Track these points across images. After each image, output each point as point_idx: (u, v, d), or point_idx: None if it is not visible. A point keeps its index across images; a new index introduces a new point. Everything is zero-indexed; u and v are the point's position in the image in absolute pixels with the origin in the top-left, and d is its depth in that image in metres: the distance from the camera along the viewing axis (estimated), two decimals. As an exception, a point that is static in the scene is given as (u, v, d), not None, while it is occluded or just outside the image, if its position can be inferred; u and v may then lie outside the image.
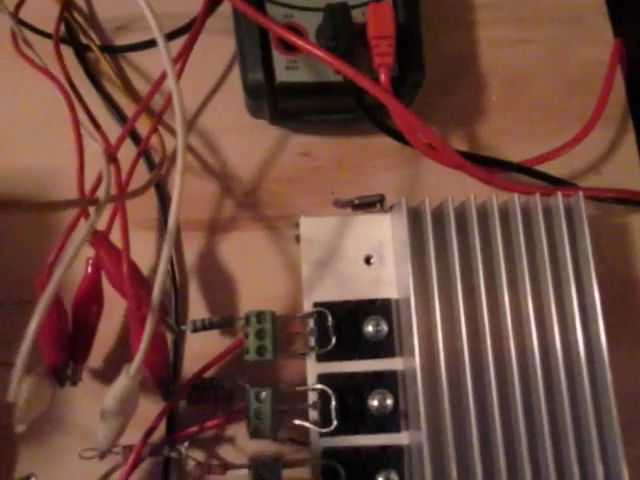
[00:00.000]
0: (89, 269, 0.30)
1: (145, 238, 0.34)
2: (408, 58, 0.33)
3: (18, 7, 0.35)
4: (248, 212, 0.35)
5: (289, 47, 0.32)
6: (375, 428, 0.28)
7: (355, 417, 0.28)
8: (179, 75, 0.33)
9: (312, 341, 0.29)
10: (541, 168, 0.34)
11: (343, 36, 0.31)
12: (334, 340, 0.28)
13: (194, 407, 0.30)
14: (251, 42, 0.33)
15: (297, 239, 0.31)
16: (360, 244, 0.30)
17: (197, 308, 0.33)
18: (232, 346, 0.30)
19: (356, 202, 0.30)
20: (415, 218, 0.29)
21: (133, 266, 0.28)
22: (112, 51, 0.38)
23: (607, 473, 0.26)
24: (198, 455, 0.30)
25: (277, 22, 0.31)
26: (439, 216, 0.29)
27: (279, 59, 0.33)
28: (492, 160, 0.35)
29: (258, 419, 0.27)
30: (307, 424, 0.28)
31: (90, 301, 0.30)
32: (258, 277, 0.33)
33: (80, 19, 0.38)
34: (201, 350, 0.31)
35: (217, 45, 0.37)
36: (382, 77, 0.31)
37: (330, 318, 0.29)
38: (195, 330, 0.29)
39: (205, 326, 0.29)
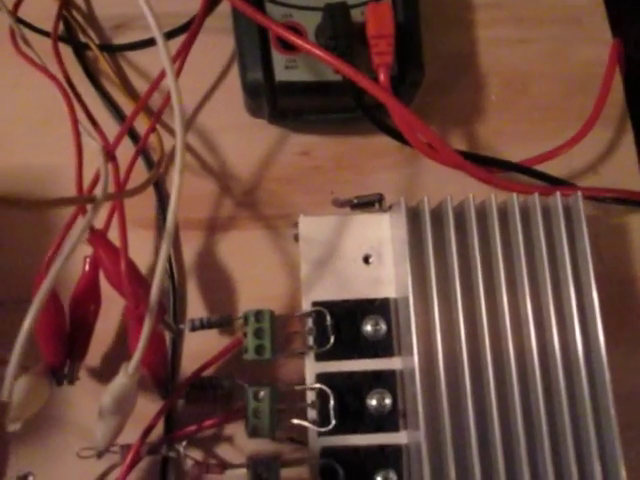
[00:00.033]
0: (87, 267, 0.30)
1: (143, 237, 0.34)
2: (407, 57, 0.33)
3: (17, 5, 0.36)
4: (247, 211, 0.35)
5: (288, 46, 0.32)
6: (374, 427, 0.28)
7: (354, 416, 0.28)
8: (178, 74, 0.33)
9: (311, 340, 0.29)
10: (540, 168, 0.34)
11: (342, 35, 0.31)
12: (333, 339, 0.28)
13: (192, 406, 0.30)
14: (250, 41, 0.33)
15: (296, 238, 0.31)
16: (359, 243, 0.30)
17: (195, 307, 0.33)
18: (230, 345, 0.30)
19: (355, 201, 0.30)
20: (414, 218, 0.29)
21: (131, 264, 0.28)
22: (111, 50, 0.38)
23: (605, 473, 0.26)
24: (196, 454, 0.30)
25: (276, 21, 0.31)
26: (438, 215, 0.29)
27: (278, 58, 0.33)
28: (491, 160, 0.35)
29: (256, 418, 0.27)
30: (306, 423, 0.28)
31: (88, 299, 0.30)
32: (257, 276, 0.33)
33: (79, 18, 0.38)
34: (199, 349, 0.31)
35: (216, 44, 0.37)
36: (381, 76, 0.31)
37: (329, 317, 0.29)
38: (193, 329, 0.29)
39: (203, 325, 0.29)
